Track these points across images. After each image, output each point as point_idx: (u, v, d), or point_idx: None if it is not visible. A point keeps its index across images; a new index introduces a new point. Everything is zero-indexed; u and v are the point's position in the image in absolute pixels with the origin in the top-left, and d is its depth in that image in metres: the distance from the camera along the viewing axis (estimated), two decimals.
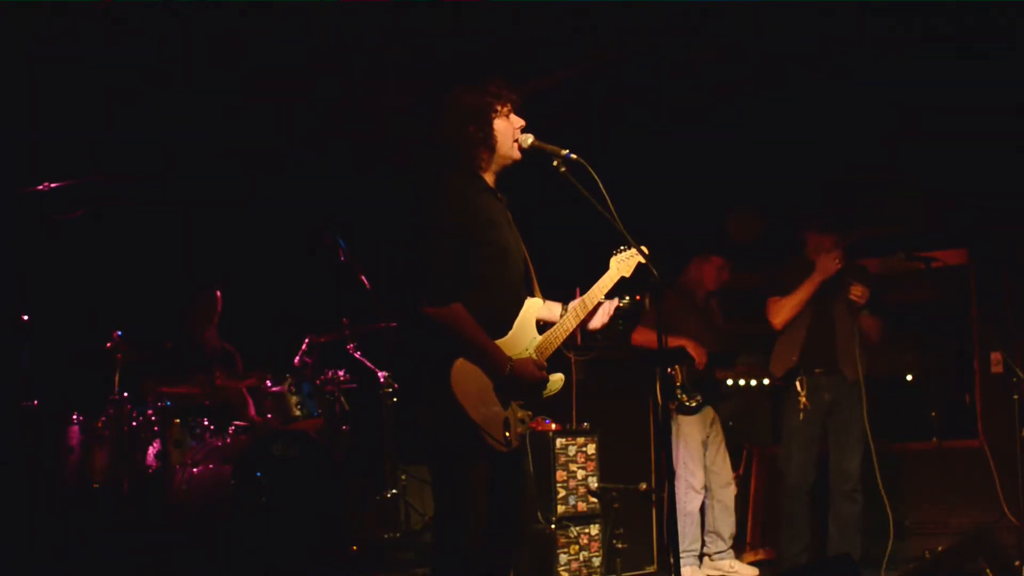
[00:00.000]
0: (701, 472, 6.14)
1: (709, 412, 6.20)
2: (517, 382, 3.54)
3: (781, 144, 6.78)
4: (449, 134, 3.67)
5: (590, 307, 3.75)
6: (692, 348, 6.01)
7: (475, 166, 3.69)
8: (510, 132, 3.69)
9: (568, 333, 3.72)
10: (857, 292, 5.62)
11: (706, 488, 6.18)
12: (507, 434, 3.52)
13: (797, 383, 5.72)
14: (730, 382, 6.74)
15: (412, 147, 6.42)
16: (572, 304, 3.78)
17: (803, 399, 5.67)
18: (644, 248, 3.70)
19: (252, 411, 6.35)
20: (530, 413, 3.65)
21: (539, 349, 3.65)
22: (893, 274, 7.32)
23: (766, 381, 6.27)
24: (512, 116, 3.71)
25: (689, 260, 6.36)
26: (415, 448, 6.24)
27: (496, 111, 3.68)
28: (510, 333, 3.61)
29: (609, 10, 5.58)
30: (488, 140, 3.66)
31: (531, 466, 3.75)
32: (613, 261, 3.81)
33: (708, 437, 6.20)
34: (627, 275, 3.80)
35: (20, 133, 5.85)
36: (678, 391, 6.04)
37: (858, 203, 7.06)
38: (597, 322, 3.79)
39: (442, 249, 3.51)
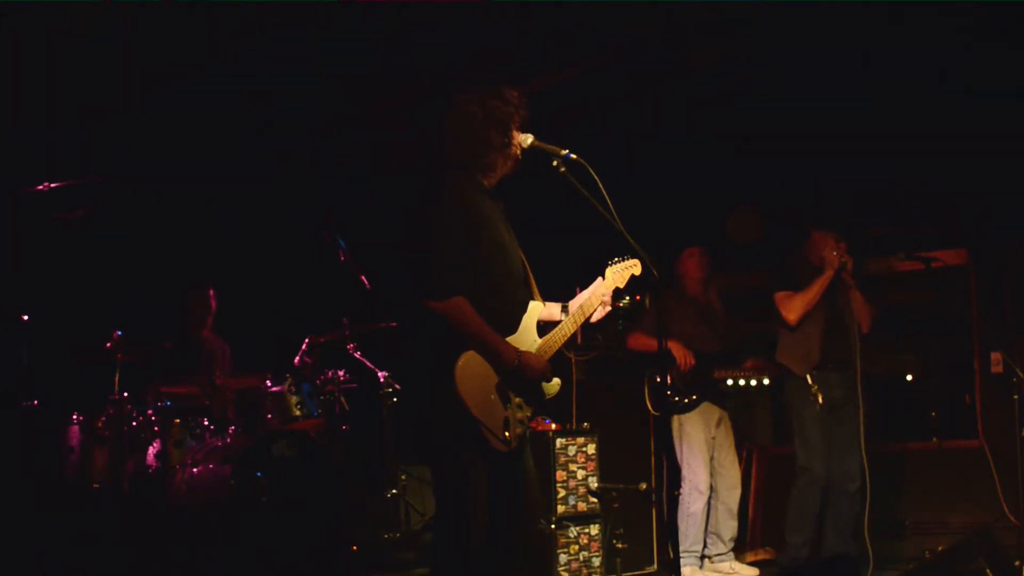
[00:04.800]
0: (705, 473, 6.13)
1: (715, 412, 6.19)
2: (525, 373, 3.57)
3: (781, 144, 6.77)
4: (466, 136, 3.68)
5: (588, 313, 3.79)
6: (675, 349, 5.99)
7: (483, 169, 3.71)
8: (519, 140, 3.73)
9: (567, 338, 3.75)
10: (834, 253, 5.63)
11: (712, 489, 6.17)
12: (507, 433, 3.54)
13: (808, 377, 5.72)
14: (730, 382, 6.74)
15: (412, 146, 6.43)
16: (572, 304, 3.80)
17: (818, 394, 5.66)
18: (642, 251, 3.72)
19: (231, 412, 6.34)
20: (529, 414, 3.66)
21: (539, 351, 3.68)
22: (893, 274, 7.32)
23: (766, 381, 6.26)
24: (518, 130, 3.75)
25: (672, 259, 6.37)
26: (415, 448, 6.25)
27: (516, 122, 3.71)
28: (515, 335, 3.63)
29: (609, 10, 5.59)
30: (507, 148, 3.69)
31: (533, 467, 3.74)
32: (608, 271, 3.85)
33: (715, 438, 6.19)
34: (621, 286, 3.85)
35: (20, 133, 5.85)
36: (668, 392, 6.04)
37: (858, 203, 7.06)
38: (597, 315, 3.82)
39: (444, 244, 3.53)
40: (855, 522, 5.65)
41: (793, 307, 5.75)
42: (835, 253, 5.66)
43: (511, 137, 3.69)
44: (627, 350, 6.18)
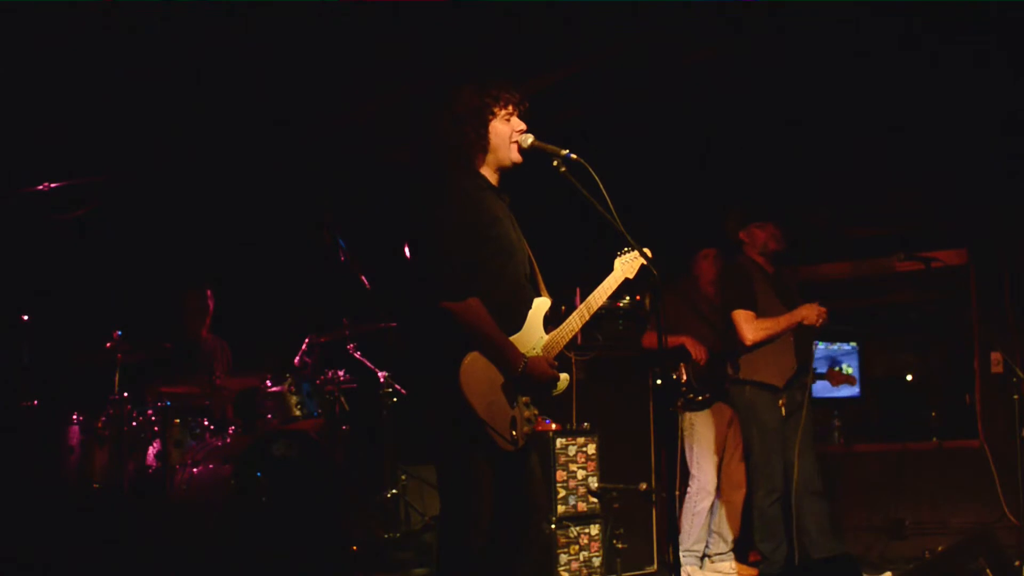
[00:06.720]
0: (714, 473, 6.13)
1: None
2: (529, 379, 3.56)
3: (780, 143, 6.78)
4: (446, 134, 3.68)
5: (595, 308, 3.76)
6: (690, 345, 6.01)
7: (474, 165, 3.70)
8: (507, 135, 3.69)
9: (573, 333, 3.73)
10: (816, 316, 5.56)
11: (718, 489, 6.17)
12: (513, 433, 3.53)
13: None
14: None
15: (413, 146, 6.43)
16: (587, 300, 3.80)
17: (783, 402, 5.63)
18: (645, 249, 3.72)
19: (231, 412, 6.35)
20: (536, 412, 3.65)
21: (546, 348, 3.66)
22: (893, 274, 7.33)
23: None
24: (513, 119, 3.72)
25: (688, 258, 6.39)
26: (416, 448, 6.25)
27: (493, 113, 3.68)
28: (520, 331, 3.62)
29: (609, 10, 5.58)
30: (482, 141, 3.67)
31: (538, 467, 3.74)
32: (617, 263, 3.83)
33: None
34: (631, 277, 3.82)
35: (20, 133, 5.85)
36: (683, 388, 6.05)
37: (857, 202, 7.07)
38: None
39: (456, 244, 3.51)
40: (830, 519, 5.63)
41: (754, 329, 5.60)
42: (817, 312, 5.53)
43: (485, 130, 3.66)
44: (641, 349, 6.19)
